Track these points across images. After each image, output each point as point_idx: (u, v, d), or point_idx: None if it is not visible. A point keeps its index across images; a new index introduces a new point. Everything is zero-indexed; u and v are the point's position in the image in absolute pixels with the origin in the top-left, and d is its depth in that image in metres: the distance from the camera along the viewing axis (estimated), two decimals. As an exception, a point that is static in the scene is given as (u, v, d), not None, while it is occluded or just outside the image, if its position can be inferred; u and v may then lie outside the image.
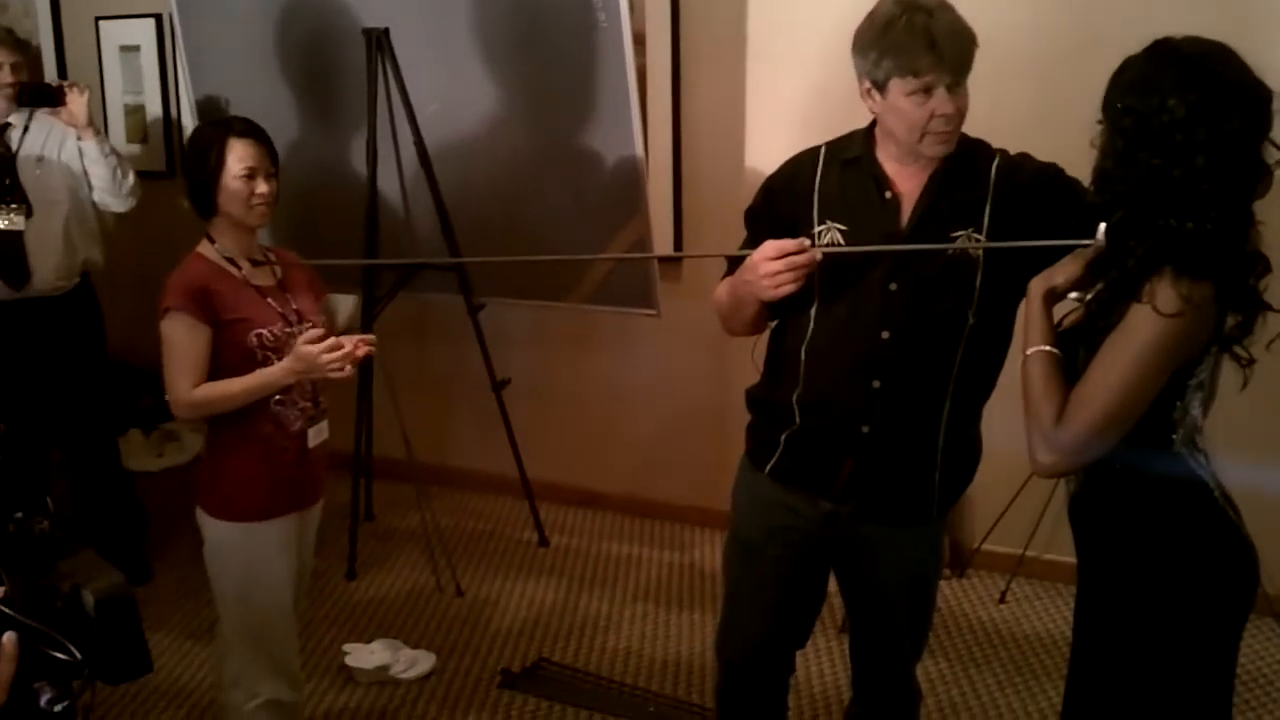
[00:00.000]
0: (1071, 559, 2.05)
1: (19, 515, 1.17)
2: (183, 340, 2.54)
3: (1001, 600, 3.92)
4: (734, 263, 2.31)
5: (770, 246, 2.11)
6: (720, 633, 2.58)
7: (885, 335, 2.16)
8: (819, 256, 2.10)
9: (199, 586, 2.74)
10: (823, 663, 3.51)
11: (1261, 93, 1.75)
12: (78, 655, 1.11)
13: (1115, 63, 1.86)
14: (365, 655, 3.56)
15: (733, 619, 2.52)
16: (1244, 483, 1.97)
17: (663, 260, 4.11)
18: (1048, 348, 1.87)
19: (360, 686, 3.49)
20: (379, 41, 3.91)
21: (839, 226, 2.18)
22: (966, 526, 4.07)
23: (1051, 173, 2.17)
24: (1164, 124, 1.72)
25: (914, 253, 2.13)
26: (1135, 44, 1.84)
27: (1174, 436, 1.86)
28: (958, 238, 2.11)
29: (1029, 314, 1.94)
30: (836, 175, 2.22)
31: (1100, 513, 1.95)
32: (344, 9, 4.03)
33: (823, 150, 2.27)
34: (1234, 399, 1.94)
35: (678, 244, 4.25)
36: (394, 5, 3.93)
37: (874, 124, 2.21)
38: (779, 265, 2.08)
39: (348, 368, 2.54)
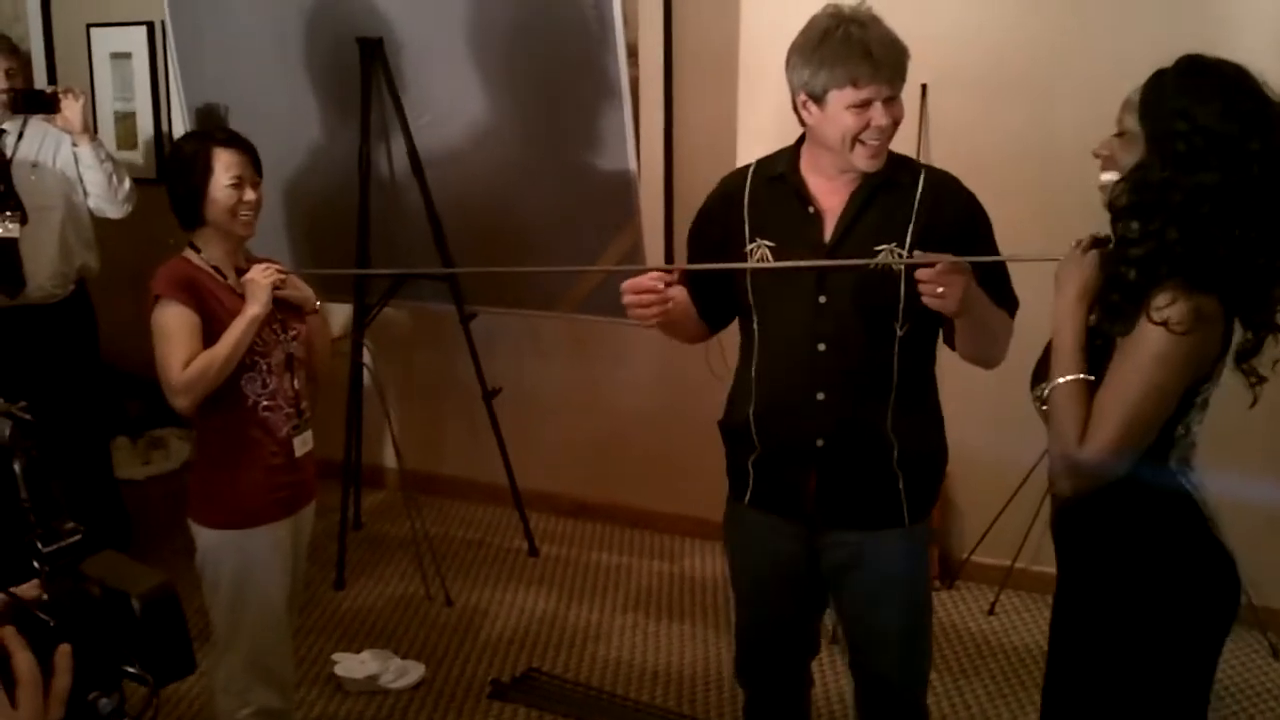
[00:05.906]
0: (1060, 571, 2.07)
1: (52, 522, 1.16)
2: (175, 324, 2.53)
3: (991, 611, 3.94)
4: None
5: (628, 284, 2.13)
6: (738, 659, 2.59)
7: (821, 347, 2.19)
8: (661, 286, 2.11)
9: (186, 593, 2.71)
10: (827, 678, 3.51)
11: None
12: (149, 678, 1.10)
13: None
14: (354, 665, 3.55)
15: (746, 643, 2.54)
16: (1231, 494, 1.99)
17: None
18: (1074, 376, 1.84)
19: (349, 696, 3.48)
20: (373, 51, 3.93)
21: (768, 243, 2.22)
22: (955, 538, 4.08)
23: (970, 213, 2.21)
24: (1221, 135, 1.72)
25: (833, 267, 2.16)
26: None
27: (1170, 453, 1.87)
28: (880, 251, 2.15)
29: (1057, 330, 1.89)
30: (764, 192, 2.26)
31: (1087, 525, 1.96)
32: (341, 18, 4.03)
33: (752, 168, 2.32)
34: (1229, 411, 1.95)
35: (669, 254, 4.25)
36: (392, 16, 3.94)
37: (800, 140, 2.24)
38: (629, 299, 2.12)
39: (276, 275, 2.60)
